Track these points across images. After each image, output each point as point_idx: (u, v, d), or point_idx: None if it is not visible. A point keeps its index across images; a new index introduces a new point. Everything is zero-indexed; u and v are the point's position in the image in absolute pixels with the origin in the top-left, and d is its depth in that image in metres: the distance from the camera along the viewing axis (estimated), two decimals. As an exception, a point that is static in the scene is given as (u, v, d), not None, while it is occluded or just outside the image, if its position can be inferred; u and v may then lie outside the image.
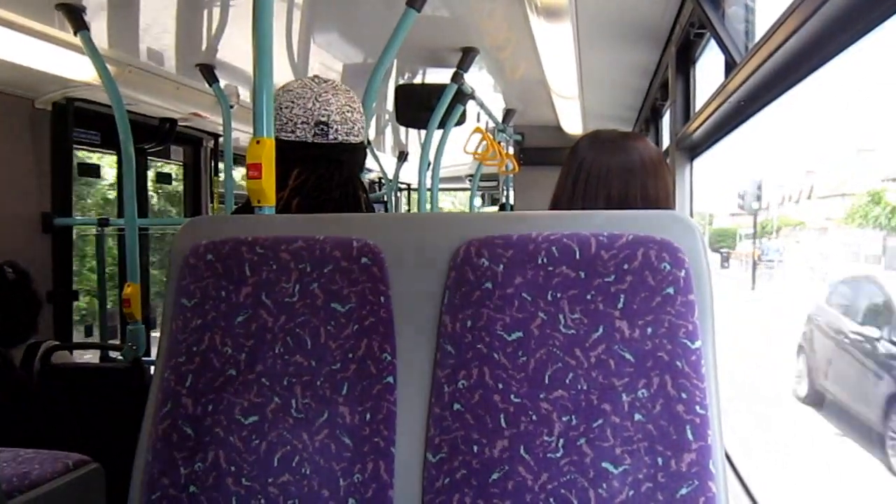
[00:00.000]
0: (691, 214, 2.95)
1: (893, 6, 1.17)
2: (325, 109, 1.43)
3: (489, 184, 7.08)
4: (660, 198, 1.36)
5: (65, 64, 2.77)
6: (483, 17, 2.72)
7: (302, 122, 1.42)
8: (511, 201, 5.65)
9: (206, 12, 2.64)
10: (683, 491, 0.91)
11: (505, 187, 5.84)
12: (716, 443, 0.93)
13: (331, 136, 1.43)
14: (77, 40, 2.47)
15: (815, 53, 1.47)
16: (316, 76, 1.50)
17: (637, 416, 0.94)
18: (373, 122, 4.47)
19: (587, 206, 1.35)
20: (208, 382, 1.05)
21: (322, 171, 1.42)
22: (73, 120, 3.16)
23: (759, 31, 1.80)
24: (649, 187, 1.36)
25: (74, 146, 3.26)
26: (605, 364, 0.96)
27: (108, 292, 3.77)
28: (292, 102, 1.42)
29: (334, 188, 1.42)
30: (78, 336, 3.65)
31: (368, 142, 1.53)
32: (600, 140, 1.41)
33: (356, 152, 1.48)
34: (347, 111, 1.46)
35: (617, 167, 1.36)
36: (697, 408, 0.93)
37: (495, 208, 6.90)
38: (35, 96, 3.04)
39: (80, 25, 2.41)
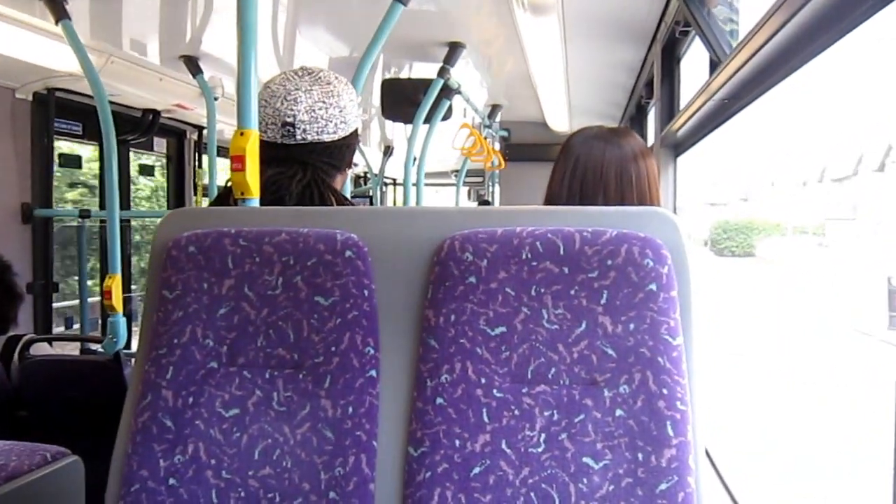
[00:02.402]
0: (675, 211, 2.97)
1: (875, 5, 1.18)
2: (292, 110, 1.38)
3: (475, 179, 7.08)
4: (652, 189, 1.39)
5: (46, 54, 2.74)
6: (469, 12, 2.71)
7: (271, 123, 1.39)
8: (496, 197, 5.66)
9: (190, 2, 2.62)
10: (663, 486, 0.92)
11: (490, 183, 5.85)
12: (696, 438, 0.94)
13: (298, 137, 1.39)
14: (59, 30, 2.44)
15: (798, 51, 1.48)
16: (302, 67, 1.45)
17: (618, 412, 0.94)
18: (358, 117, 4.44)
19: (586, 202, 1.37)
20: (189, 375, 1.04)
21: (283, 169, 1.38)
22: (55, 110, 3.13)
23: (744, 29, 1.81)
24: (643, 180, 1.38)
25: (55, 137, 3.22)
26: (587, 359, 0.96)
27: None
28: (266, 102, 1.39)
29: (294, 186, 1.38)
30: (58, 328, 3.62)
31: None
32: (594, 137, 1.43)
33: (329, 151, 1.43)
34: (319, 108, 1.40)
35: (612, 162, 1.38)
36: (678, 404, 0.93)
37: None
38: (15, 86, 3.00)
39: (62, 15, 2.38)
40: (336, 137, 1.43)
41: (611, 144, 1.40)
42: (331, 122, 1.41)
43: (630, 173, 1.39)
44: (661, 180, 2.81)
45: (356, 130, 1.49)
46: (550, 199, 1.43)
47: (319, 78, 1.43)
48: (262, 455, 1.01)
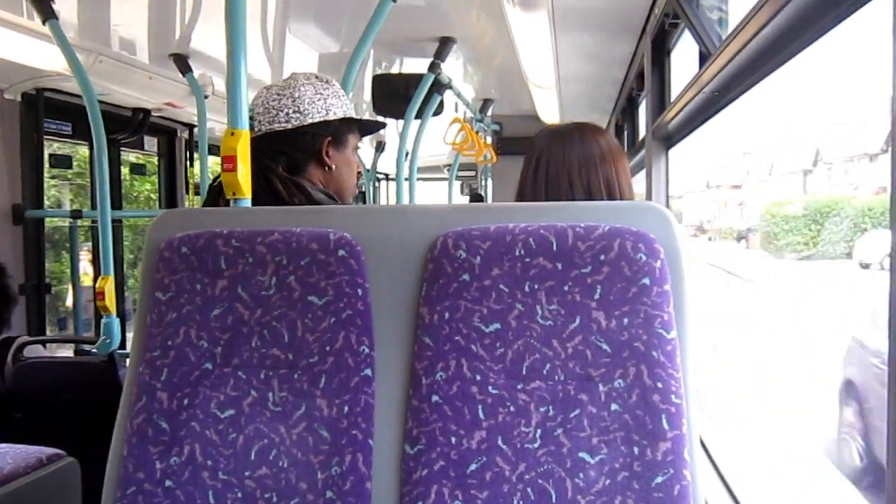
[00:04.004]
0: (667, 205, 2.97)
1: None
2: (252, 105, 1.47)
3: (467, 174, 7.08)
4: (623, 188, 1.37)
5: (34, 54, 2.71)
6: (459, 7, 2.71)
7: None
8: (489, 191, 5.66)
9: (178, 0, 2.60)
10: (659, 479, 0.92)
11: (483, 177, 5.85)
12: (690, 431, 0.94)
13: (255, 130, 1.47)
14: (46, 29, 2.42)
15: (787, 43, 1.48)
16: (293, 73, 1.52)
17: (614, 406, 0.95)
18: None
19: (551, 199, 1.36)
20: (184, 376, 1.04)
21: None
22: (44, 110, 3.11)
23: (733, 21, 1.82)
24: (611, 177, 1.37)
25: (45, 137, 3.20)
26: (582, 355, 0.96)
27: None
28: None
29: (252, 179, 1.40)
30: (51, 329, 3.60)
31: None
32: (557, 133, 1.42)
33: (279, 140, 1.47)
34: (273, 100, 1.47)
35: (576, 159, 1.37)
36: (673, 397, 0.94)
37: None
38: (4, 87, 2.98)
39: (49, 14, 2.37)
40: (288, 126, 1.47)
41: (573, 143, 1.38)
42: (282, 111, 1.46)
43: (596, 169, 1.36)
44: (653, 173, 2.81)
45: (324, 122, 1.49)
46: (520, 195, 1.42)
47: (291, 76, 1.51)
48: (259, 455, 1.01)
